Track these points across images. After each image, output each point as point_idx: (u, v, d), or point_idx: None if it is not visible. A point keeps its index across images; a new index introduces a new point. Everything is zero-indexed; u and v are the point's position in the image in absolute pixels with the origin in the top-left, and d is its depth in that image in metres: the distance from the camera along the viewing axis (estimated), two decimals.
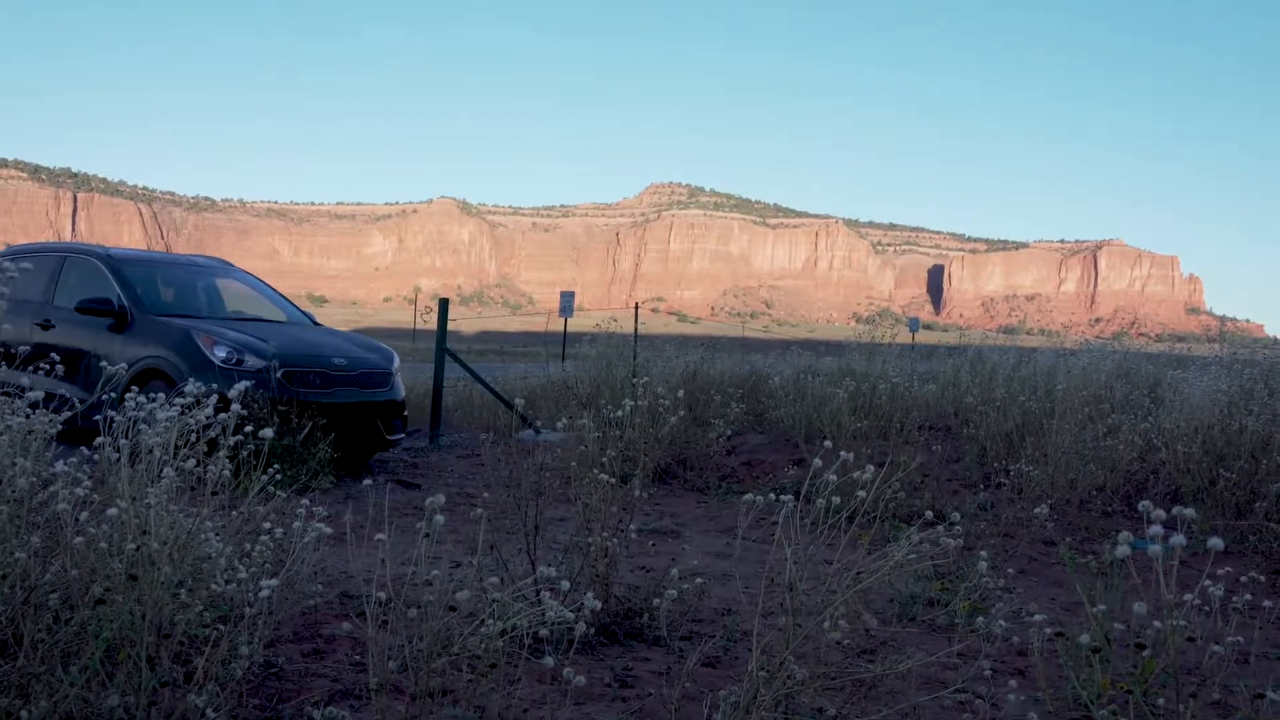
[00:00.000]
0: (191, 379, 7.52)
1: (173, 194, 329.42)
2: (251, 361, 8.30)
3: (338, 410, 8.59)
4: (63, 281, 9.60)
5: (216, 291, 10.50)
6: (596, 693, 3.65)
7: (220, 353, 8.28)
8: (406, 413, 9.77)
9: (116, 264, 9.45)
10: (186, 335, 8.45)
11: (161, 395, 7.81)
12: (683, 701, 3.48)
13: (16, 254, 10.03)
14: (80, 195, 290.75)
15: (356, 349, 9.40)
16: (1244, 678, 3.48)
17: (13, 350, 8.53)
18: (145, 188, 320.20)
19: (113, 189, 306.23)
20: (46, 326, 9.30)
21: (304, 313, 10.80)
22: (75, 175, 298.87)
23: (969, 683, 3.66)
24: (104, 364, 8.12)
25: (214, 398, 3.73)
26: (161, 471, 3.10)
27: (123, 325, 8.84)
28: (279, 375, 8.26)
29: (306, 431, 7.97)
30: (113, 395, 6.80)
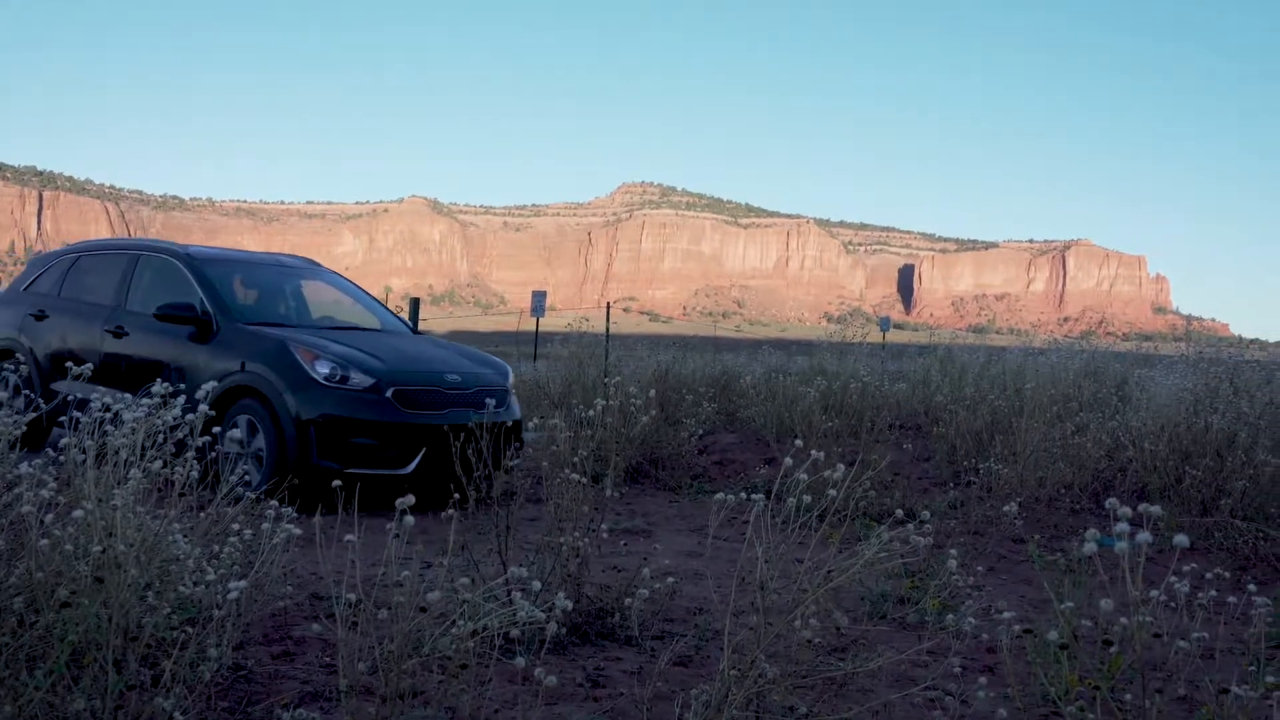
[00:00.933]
0: (289, 398, 6.98)
1: (140, 193, 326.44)
2: (358, 379, 7.20)
3: (450, 435, 7.57)
4: (136, 284, 8.53)
5: (303, 296, 9.31)
6: (568, 693, 3.65)
7: (323, 369, 7.17)
8: (525, 435, 8.59)
9: (198, 264, 8.33)
10: (282, 348, 7.33)
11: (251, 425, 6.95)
12: (654, 701, 3.48)
13: (83, 251, 9.45)
14: (46, 194, 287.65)
15: (468, 363, 8.29)
16: (1209, 673, 3.51)
17: (81, 361, 7.85)
18: (112, 186, 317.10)
19: (79, 187, 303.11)
20: (119, 334, 8.25)
21: (399, 318, 9.61)
22: (41, 174, 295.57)
23: (939, 680, 3.68)
24: (187, 379, 7.11)
25: (178, 402, 3.68)
26: (128, 473, 3.07)
27: (206, 334, 7.72)
28: (389, 395, 7.19)
29: (418, 462, 7.19)
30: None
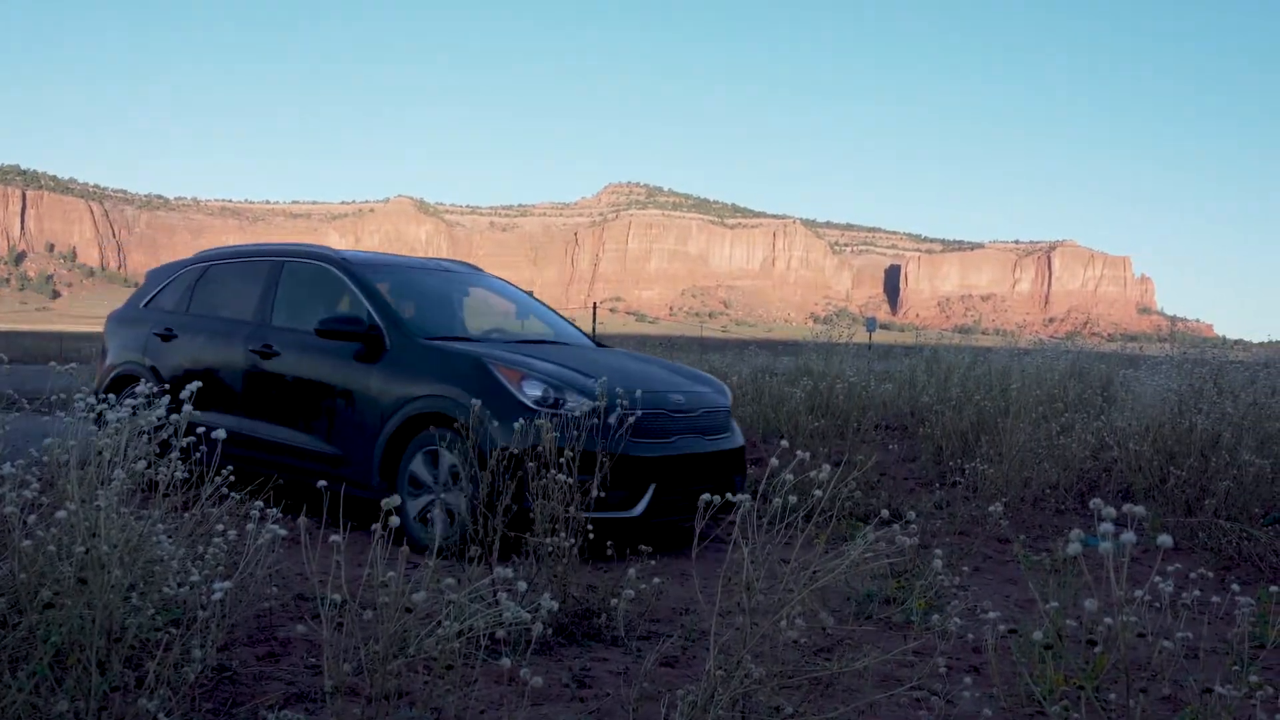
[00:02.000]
0: (492, 427, 5.72)
1: (125, 192, 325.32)
2: (574, 402, 5.90)
3: (679, 466, 6.28)
4: (283, 294, 7.36)
5: (468, 305, 8.07)
6: (554, 693, 3.64)
7: (533, 390, 5.99)
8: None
9: (358, 270, 7.15)
10: (480, 367, 6.13)
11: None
12: (640, 701, 3.48)
13: (213, 260, 8.25)
14: (30, 193, 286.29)
15: (685, 380, 6.99)
16: (1193, 673, 3.53)
17: (220, 385, 7.10)
18: (97, 186, 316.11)
19: (63, 187, 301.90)
20: (266, 354, 7.06)
21: (577, 329, 8.40)
22: (24, 173, 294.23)
23: (925, 680, 3.68)
24: (356, 404, 6.52)
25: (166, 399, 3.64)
26: (112, 473, 3.05)
27: (376, 352, 6.53)
28: (612, 420, 5.80)
29: (648, 501, 6.02)
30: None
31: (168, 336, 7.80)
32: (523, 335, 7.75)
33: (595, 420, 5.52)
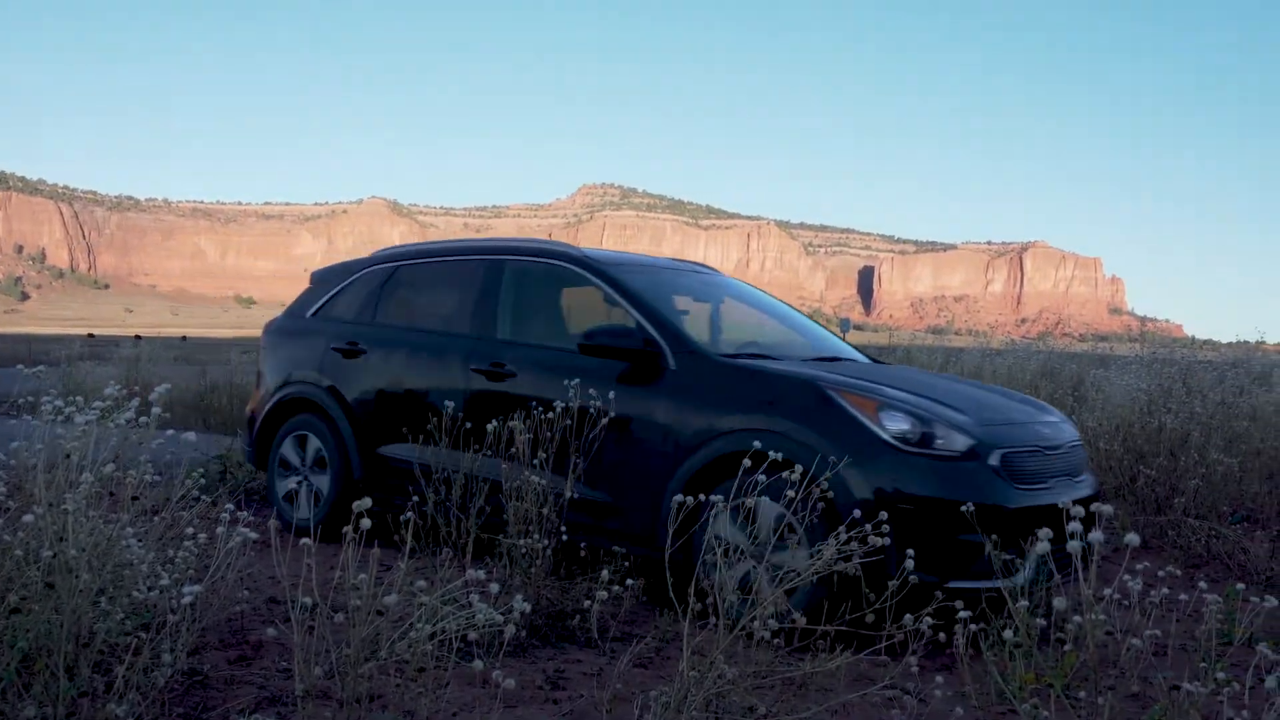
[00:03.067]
0: (851, 473, 4.35)
1: (95, 193, 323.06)
2: (946, 439, 4.58)
3: (1058, 519, 4.31)
4: (508, 301, 6.03)
5: (724, 314, 6.58)
6: (528, 695, 3.64)
7: (894, 423, 4.59)
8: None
9: (611, 271, 5.76)
10: (818, 394, 4.75)
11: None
12: (614, 702, 3.48)
13: (402, 259, 6.83)
14: None
15: (1030, 407, 5.49)
16: (1161, 670, 3.56)
17: (432, 412, 5.49)
18: (66, 186, 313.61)
19: (32, 188, 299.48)
20: (497, 374, 5.69)
21: (851, 344, 6.82)
22: None
23: (897, 679, 3.71)
24: (633, 438, 4.91)
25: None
26: (80, 477, 3.03)
27: (651, 373, 5.20)
28: (993, 462, 4.58)
29: (1034, 568, 4.03)
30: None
31: (352, 352, 6.41)
32: (798, 351, 6.05)
33: (973, 463, 4.52)
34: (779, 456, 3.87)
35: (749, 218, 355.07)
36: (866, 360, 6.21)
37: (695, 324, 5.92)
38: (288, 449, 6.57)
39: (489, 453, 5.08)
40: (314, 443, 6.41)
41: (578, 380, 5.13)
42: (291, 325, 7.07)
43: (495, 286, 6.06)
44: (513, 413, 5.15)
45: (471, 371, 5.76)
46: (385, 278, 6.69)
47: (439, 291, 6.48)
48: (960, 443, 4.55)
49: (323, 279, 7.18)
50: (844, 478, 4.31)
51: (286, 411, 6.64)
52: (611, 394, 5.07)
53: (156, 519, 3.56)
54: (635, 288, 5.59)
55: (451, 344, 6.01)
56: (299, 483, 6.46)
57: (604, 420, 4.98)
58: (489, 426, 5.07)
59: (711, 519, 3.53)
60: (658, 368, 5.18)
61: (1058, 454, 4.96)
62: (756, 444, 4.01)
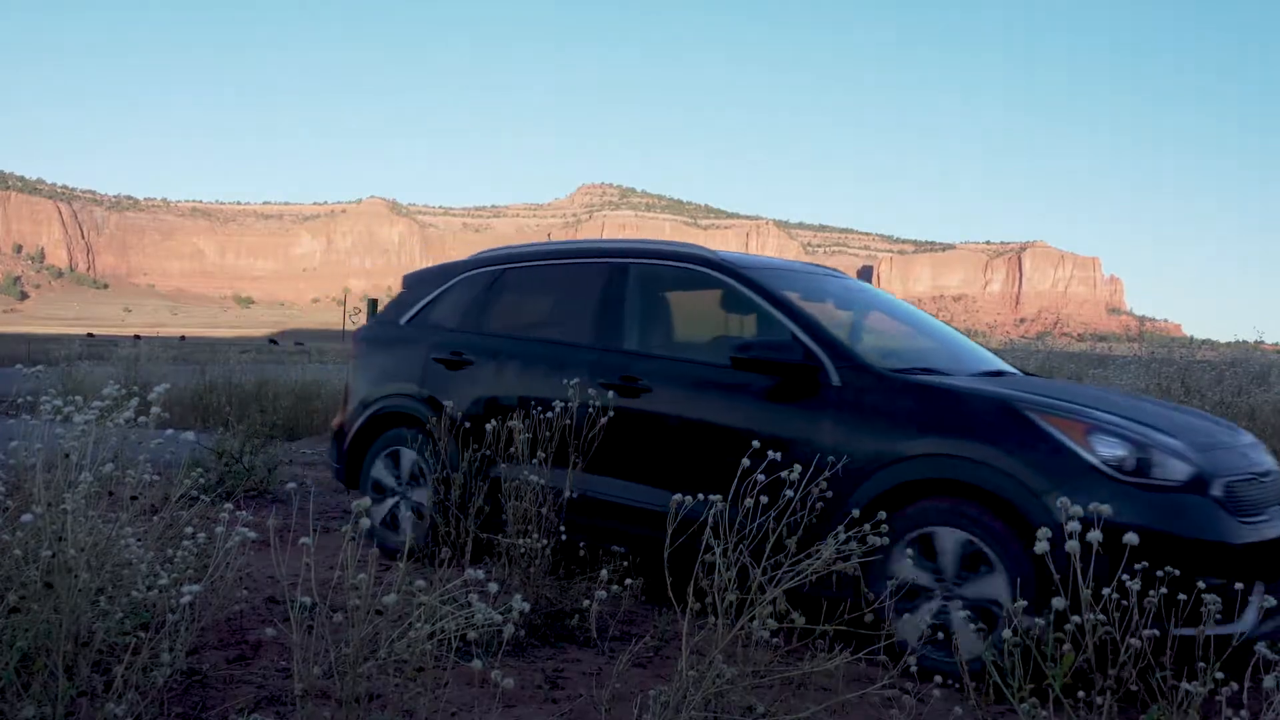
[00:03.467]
0: (1056, 497, 3.34)
1: (94, 193, 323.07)
2: (1164, 466, 4.05)
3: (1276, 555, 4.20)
4: (635, 308, 5.50)
5: (868, 325, 5.92)
6: (527, 695, 3.64)
7: (1107, 449, 4.06)
8: None
9: (756, 276, 5.22)
10: (1017, 416, 4.23)
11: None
12: (613, 702, 3.48)
13: (509, 261, 6.23)
14: None
15: (1226, 430, 4.92)
16: (1160, 670, 3.56)
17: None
18: (65, 186, 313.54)
19: (31, 187, 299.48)
20: (630, 390, 5.13)
21: (998, 356, 6.01)
22: None
23: (896, 679, 3.71)
24: (790, 462, 3.72)
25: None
26: (79, 476, 3.03)
27: (806, 389, 4.67)
28: (1216, 494, 4.06)
29: (1260, 614, 3.89)
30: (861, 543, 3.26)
31: (457, 363, 5.88)
32: (964, 365, 5.38)
33: (1196, 494, 4.01)
34: (975, 484, 3.95)
35: (748, 217, 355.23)
36: (1021, 374, 5.63)
37: (867, 338, 5.50)
38: (380, 469, 6.03)
39: (615, 472, 4.97)
40: (408, 458, 5.88)
41: (725, 396, 4.89)
42: (385, 333, 6.53)
43: (620, 293, 5.53)
44: (646, 430, 4.97)
45: (599, 385, 5.17)
46: (490, 281, 6.16)
47: (555, 298, 6.00)
48: (1180, 471, 4.05)
49: (418, 282, 6.60)
50: (1048, 508, 3.82)
51: (382, 427, 6.12)
52: (765, 412, 4.74)
53: (155, 518, 3.56)
54: (786, 295, 5.08)
55: (574, 356, 5.45)
56: (397, 503, 5.89)
57: (762, 440, 3.86)
58: (616, 444, 4.89)
59: (895, 554, 3.50)
60: (815, 384, 4.66)
61: (1269, 481, 4.46)
62: (949, 472, 4.08)
